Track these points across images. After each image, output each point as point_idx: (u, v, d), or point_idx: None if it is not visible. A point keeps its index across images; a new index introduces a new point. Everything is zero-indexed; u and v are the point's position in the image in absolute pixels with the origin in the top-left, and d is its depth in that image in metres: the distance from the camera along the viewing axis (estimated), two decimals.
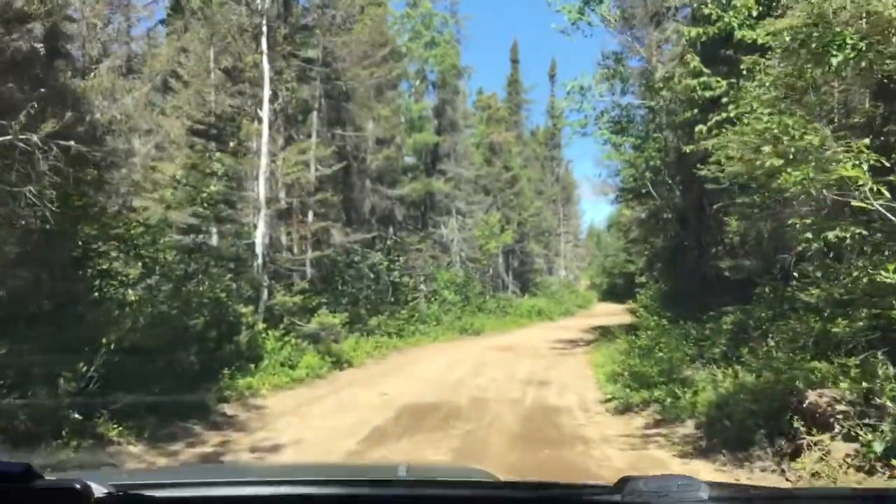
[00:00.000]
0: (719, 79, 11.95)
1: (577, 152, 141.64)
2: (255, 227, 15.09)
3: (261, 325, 14.33)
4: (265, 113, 15.01)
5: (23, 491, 1.44)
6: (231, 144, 15.31)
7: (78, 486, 1.49)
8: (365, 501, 1.85)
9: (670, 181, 19.06)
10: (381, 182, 25.26)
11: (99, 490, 1.58)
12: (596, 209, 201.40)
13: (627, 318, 38.99)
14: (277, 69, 15.57)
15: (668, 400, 10.76)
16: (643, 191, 20.74)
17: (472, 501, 1.86)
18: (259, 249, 14.96)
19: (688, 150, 12.74)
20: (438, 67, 28.41)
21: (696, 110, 13.38)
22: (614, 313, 48.06)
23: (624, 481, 1.66)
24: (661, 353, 12.07)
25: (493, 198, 43.25)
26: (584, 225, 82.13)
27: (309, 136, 18.86)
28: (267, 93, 15.02)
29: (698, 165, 12.15)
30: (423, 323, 26.17)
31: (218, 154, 14.11)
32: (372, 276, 21.96)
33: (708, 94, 12.19)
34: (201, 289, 13.18)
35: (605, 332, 23.44)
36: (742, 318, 10.81)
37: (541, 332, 31.29)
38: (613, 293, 75.02)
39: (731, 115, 11.81)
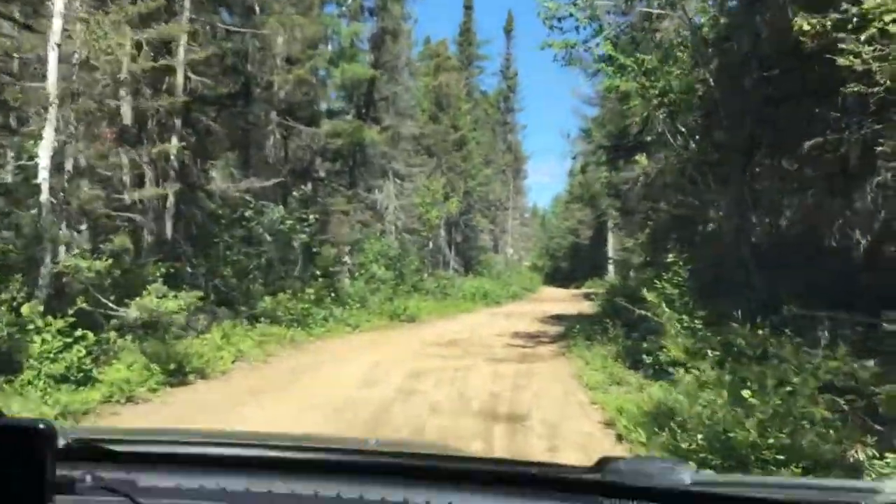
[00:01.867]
0: None
1: (533, 118, 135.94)
2: (42, 138, 8.70)
3: (30, 309, 8.03)
4: None
5: None
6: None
7: (43, 426, 1.34)
8: (334, 467, 1.76)
9: (697, 119, 13.43)
10: (294, 117, 18.93)
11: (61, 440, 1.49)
12: (539, 189, 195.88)
13: (584, 306, 33.92)
14: None
15: None
16: (648, 139, 15.06)
17: (447, 475, 1.71)
18: (44, 176, 8.60)
19: (806, 27, 7.02)
20: None
21: None
22: (565, 299, 43.19)
23: (603, 461, 1.60)
24: (761, 400, 6.28)
25: (438, 161, 37.30)
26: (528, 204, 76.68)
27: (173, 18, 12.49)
28: None
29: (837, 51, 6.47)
30: (342, 305, 20.11)
31: None
32: (269, 238, 15.73)
33: None
34: None
35: (577, 324, 17.97)
36: None
37: (490, 319, 25.62)
38: (557, 277, 71.16)
39: None
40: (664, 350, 10.28)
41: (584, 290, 56.20)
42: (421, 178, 34.48)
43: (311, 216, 16.67)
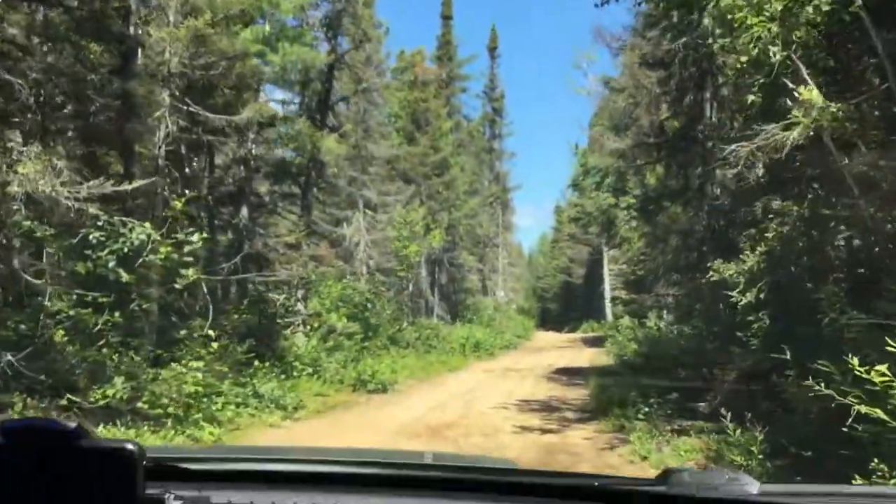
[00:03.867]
0: None
1: (523, 145, 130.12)
2: None
3: None
4: None
5: (73, 450, 1.36)
6: None
7: (131, 446, 1.40)
8: (397, 482, 1.79)
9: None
10: (204, 105, 12.96)
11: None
12: (522, 232, 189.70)
13: (591, 355, 28.12)
14: None
15: None
16: (750, 99, 9.32)
17: (506, 488, 1.69)
18: None
19: None
20: None
21: None
22: (563, 346, 37.50)
23: (667, 473, 1.56)
24: None
25: (416, 188, 31.55)
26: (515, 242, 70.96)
27: None
28: None
29: None
30: (284, 374, 14.08)
31: None
32: (125, 277, 9.52)
33: None
34: None
35: (604, 386, 12.34)
36: None
37: (487, 380, 19.61)
38: (546, 320, 65.98)
39: None
40: None
41: (580, 334, 50.56)
42: (397, 208, 28.69)
43: (197, 237, 10.43)
